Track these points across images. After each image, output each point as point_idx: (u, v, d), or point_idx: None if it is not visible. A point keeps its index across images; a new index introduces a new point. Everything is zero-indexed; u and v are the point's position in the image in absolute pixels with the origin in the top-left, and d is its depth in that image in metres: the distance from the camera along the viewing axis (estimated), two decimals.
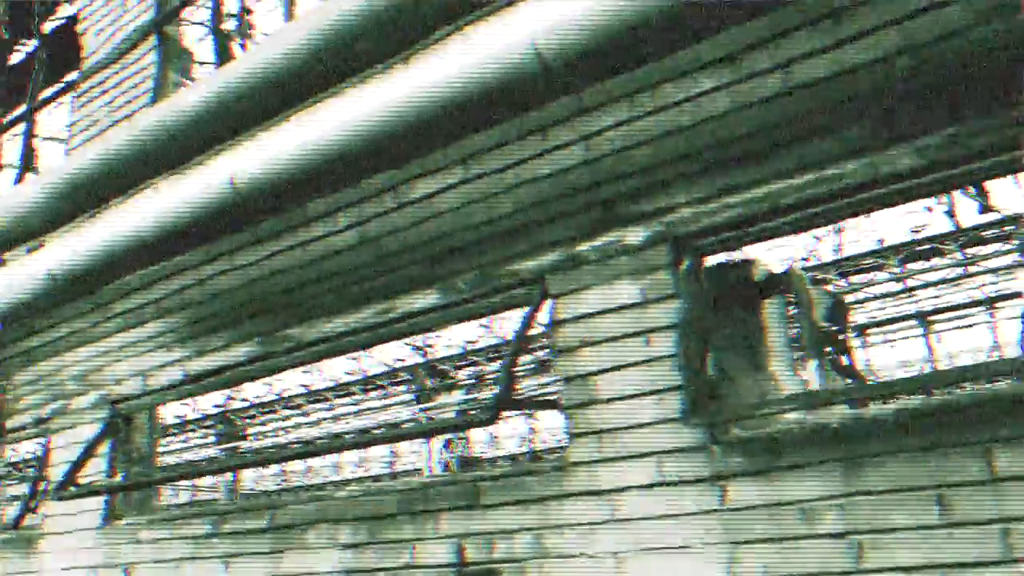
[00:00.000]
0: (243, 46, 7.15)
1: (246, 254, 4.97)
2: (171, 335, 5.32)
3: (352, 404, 23.82)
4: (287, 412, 25.17)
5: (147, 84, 6.09)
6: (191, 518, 5.09)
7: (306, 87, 3.99)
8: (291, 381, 28.14)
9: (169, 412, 29.39)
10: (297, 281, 4.74)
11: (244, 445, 27.19)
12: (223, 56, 6.99)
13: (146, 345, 5.47)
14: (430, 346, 21.98)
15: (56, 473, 5.96)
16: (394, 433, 3.67)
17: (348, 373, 23.24)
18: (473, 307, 4.11)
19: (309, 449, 4.48)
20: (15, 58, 8.70)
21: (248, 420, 27.06)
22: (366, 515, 4.31)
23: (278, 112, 4.31)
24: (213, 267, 5.12)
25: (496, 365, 21.21)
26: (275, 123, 4.18)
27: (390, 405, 23.11)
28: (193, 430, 28.11)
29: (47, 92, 9.22)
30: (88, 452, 5.63)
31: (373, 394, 23.60)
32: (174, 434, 28.33)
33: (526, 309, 3.84)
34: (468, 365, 21.82)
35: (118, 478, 5.54)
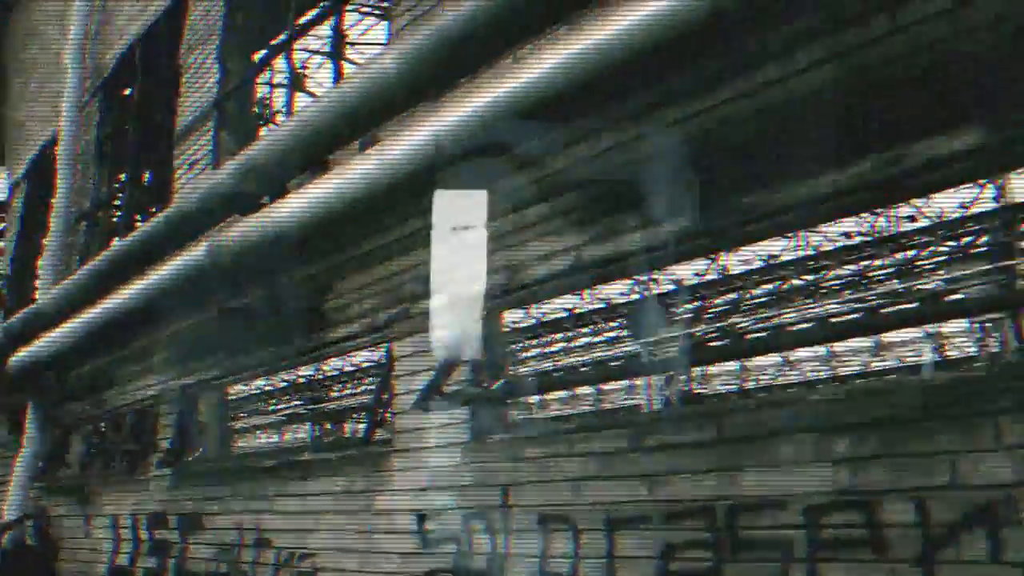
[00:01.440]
0: None
1: (668, 111, 4.05)
2: (558, 219, 4.52)
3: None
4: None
5: None
6: (598, 431, 4.33)
7: None
8: None
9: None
10: (743, 138, 3.79)
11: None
12: None
13: (522, 235, 4.70)
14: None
15: (402, 384, 5.38)
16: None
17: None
18: None
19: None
20: None
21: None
22: (872, 420, 3.38)
23: None
24: (612, 137, 4.25)
25: None
26: None
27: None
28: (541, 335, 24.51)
29: None
30: (454, 358, 5.00)
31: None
32: (526, 339, 24.77)
33: None
34: None
35: (494, 386, 4.86)
